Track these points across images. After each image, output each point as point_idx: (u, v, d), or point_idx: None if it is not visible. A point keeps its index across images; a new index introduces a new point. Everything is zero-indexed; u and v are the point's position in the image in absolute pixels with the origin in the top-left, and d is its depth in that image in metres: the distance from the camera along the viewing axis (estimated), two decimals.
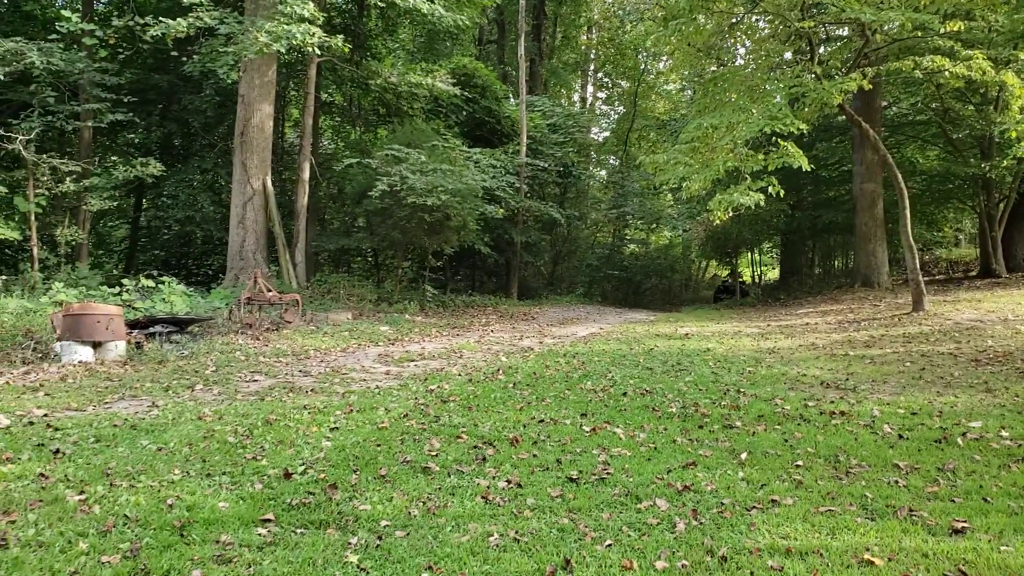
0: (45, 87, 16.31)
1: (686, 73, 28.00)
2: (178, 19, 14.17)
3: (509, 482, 4.67)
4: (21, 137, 14.84)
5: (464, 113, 23.71)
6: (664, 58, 33.57)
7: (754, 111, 13.97)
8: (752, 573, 3.43)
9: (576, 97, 44.68)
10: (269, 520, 3.99)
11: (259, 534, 3.82)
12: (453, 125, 23.25)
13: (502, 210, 20.13)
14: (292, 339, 11.43)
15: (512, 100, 27.39)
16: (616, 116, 42.33)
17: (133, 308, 11.72)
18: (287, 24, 13.43)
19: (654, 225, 32.67)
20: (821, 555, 3.62)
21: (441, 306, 19.11)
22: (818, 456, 5.32)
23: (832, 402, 7.10)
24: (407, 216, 17.00)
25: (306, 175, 18.58)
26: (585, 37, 41.45)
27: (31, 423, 6.13)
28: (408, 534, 3.83)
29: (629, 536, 3.85)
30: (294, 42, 13.72)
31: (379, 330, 13.21)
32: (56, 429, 5.92)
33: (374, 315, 15.50)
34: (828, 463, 5.15)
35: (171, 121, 21.23)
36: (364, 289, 18.62)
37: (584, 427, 6.14)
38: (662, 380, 8.40)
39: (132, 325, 10.42)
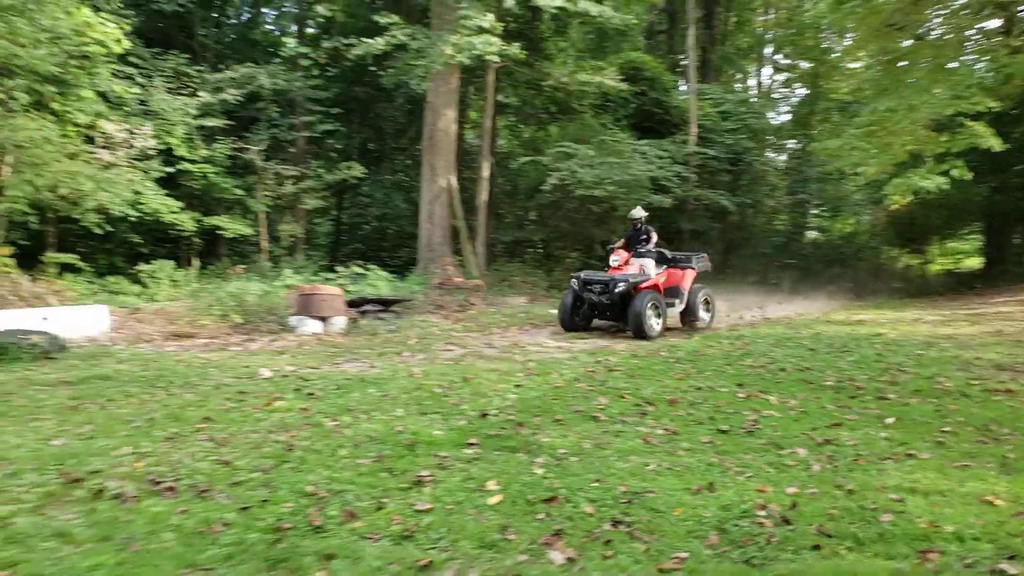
0: (271, 104, 19.09)
1: (872, 49, 26.70)
2: (376, 38, 16.11)
3: (666, 430, 5.49)
4: (254, 148, 17.59)
5: (632, 106, 24.30)
6: (848, 36, 32.01)
7: (937, 91, 13.47)
8: (874, 502, 4.01)
9: (752, 82, 43.47)
10: (473, 444, 5.12)
11: (466, 453, 4.95)
12: (621, 118, 23.91)
13: (669, 199, 20.57)
14: (476, 319, 12.85)
15: (682, 90, 27.54)
16: (795, 99, 40.72)
17: (347, 290, 13.71)
18: (469, 36, 14.86)
19: (837, 211, 31.29)
20: (944, 495, 4.11)
21: None
22: (968, 424, 5.61)
23: (1001, 382, 7.15)
24: (576, 208, 18.01)
25: (486, 173, 20.14)
26: (761, 19, 40.24)
27: (285, 375, 7.83)
28: (580, 459, 4.79)
29: (768, 472, 4.55)
30: (475, 52, 15.15)
31: (550, 312, 14.33)
32: (305, 380, 7.54)
33: (546, 299, 16.69)
34: (977, 431, 5.44)
35: (368, 128, 23.78)
36: (536, 277, 19.88)
37: (739, 394, 6.77)
38: (823, 359, 8.73)
39: (348, 304, 12.30)
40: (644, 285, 11.24)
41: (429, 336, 10.86)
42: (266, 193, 18.80)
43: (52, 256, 15.72)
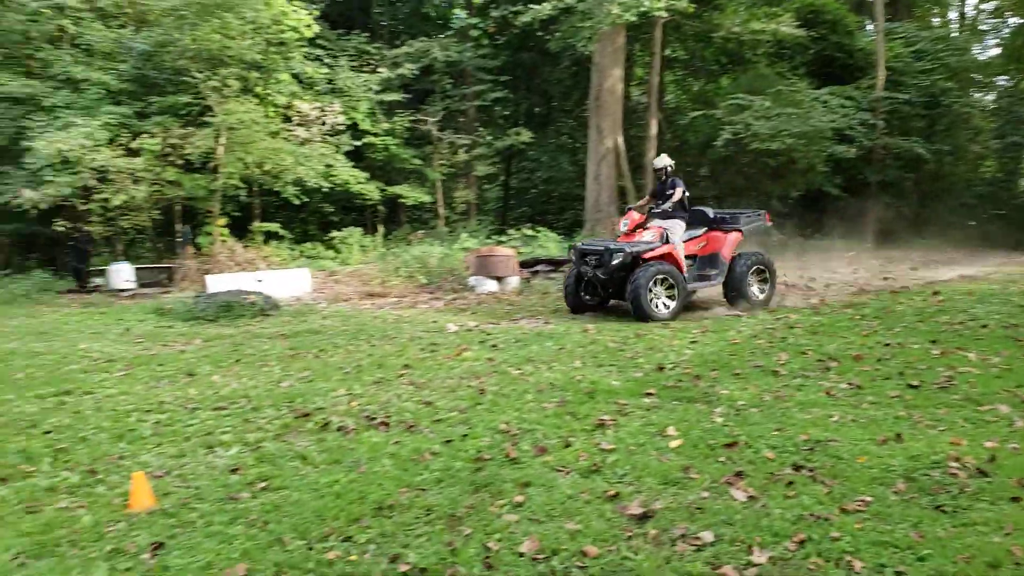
0: (443, 75, 19.95)
1: None
2: (543, 3, 16.29)
3: (850, 384, 5.38)
4: (430, 119, 18.54)
5: (811, 52, 22.77)
6: None
7: None
8: None
9: (952, 15, 38.93)
10: (651, 393, 5.32)
11: (644, 401, 5.16)
12: (799, 66, 22.50)
13: (854, 149, 19.20)
14: None
15: (868, 30, 25.35)
16: (1007, 30, 36.01)
17: (518, 252, 14.27)
18: None
19: None
20: None
21: (786, 249, 19.11)
22: None
23: None
24: (750, 162, 17.36)
25: (653, 131, 19.86)
26: None
27: (469, 330, 8.42)
28: (760, 410, 4.85)
29: (963, 427, 4.37)
30: (642, 9, 14.91)
31: None
32: (487, 334, 8.08)
33: None
34: None
35: (534, 93, 24.14)
36: None
37: (932, 351, 6.42)
38: None
39: (521, 264, 12.84)
40: (650, 255, 8.88)
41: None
42: (441, 162, 19.80)
43: (258, 225, 17.65)
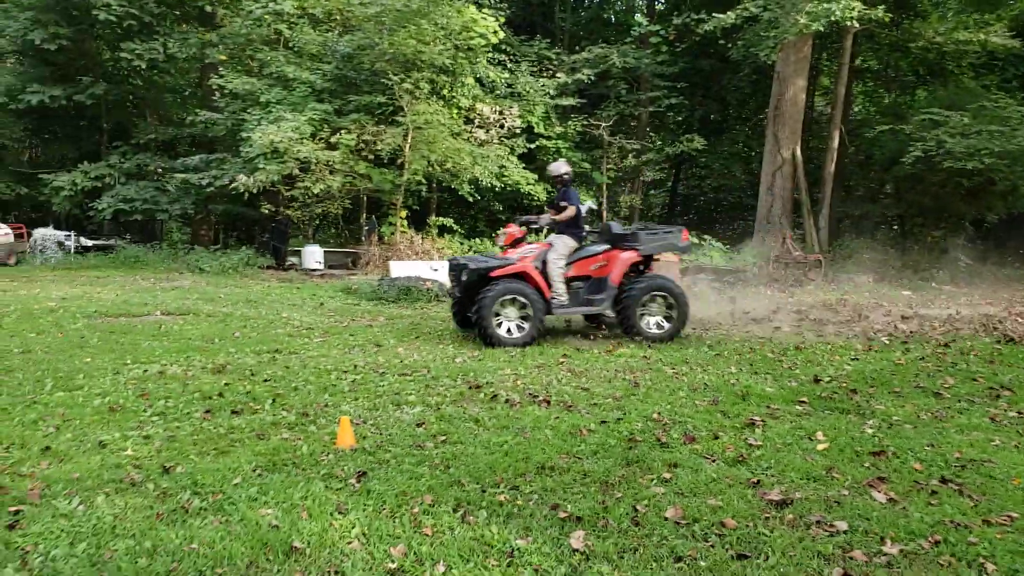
0: (619, 81, 20.34)
1: None
2: (727, 12, 16.22)
3: (1020, 413, 5.21)
4: (603, 124, 19.02)
5: None
6: None
7: None
8: None
9: None
10: (803, 402, 5.46)
11: (796, 408, 5.33)
12: (1011, 79, 20.64)
13: None
14: (814, 294, 12.60)
15: None
16: None
17: (681, 260, 14.38)
18: (827, 3, 14.24)
19: None
20: None
21: (977, 277, 17.68)
22: None
23: None
24: (941, 182, 16.26)
25: (835, 143, 19.09)
26: None
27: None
28: (915, 428, 4.87)
29: None
30: (832, 19, 14.46)
31: (900, 294, 13.37)
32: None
33: (896, 280, 15.48)
34: None
35: (711, 100, 23.91)
36: (887, 255, 18.41)
37: None
38: None
39: (684, 272, 12.99)
40: (498, 272, 7.83)
41: (761, 306, 11.05)
42: (610, 166, 20.22)
43: (434, 219, 18.95)
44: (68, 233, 20.17)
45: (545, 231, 9.78)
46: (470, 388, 5.93)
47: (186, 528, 3.40)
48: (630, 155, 20.28)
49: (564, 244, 8.28)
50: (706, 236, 16.15)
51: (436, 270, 13.37)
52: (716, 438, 4.61)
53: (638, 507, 3.57)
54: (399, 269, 13.43)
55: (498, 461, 4.23)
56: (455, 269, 8.16)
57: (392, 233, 17.20)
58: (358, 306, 11.38)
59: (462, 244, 18.68)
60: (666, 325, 8.18)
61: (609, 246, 8.42)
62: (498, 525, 3.41)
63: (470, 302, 7.89)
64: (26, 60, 21.42)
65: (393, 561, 3.08)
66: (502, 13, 18.29)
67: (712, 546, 3.19)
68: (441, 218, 18.91)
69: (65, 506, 3.60)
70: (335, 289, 13.25)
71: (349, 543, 3.25)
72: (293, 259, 17.33)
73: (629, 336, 8.14)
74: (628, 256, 8.26)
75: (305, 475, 4.07)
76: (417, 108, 16.01)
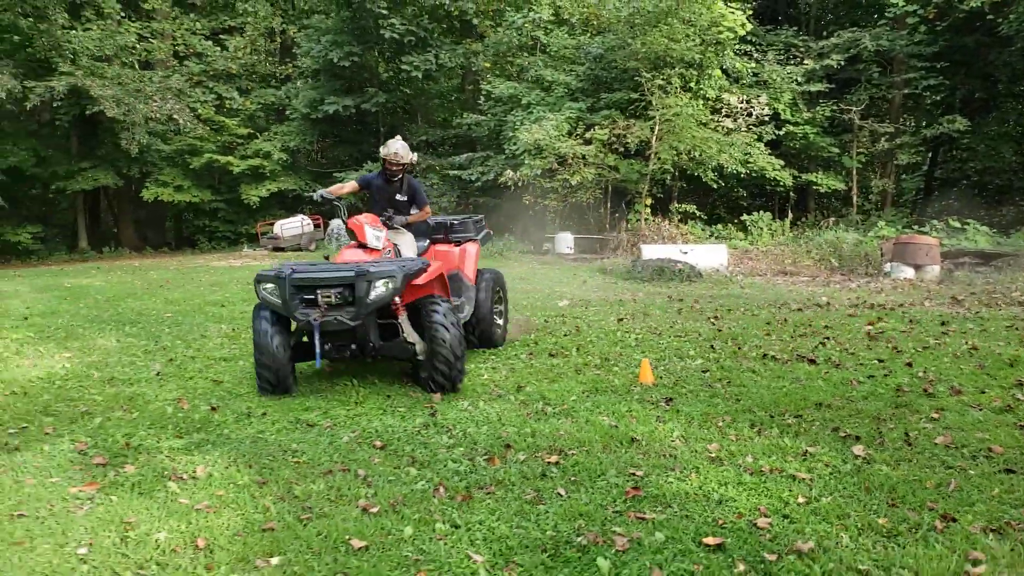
0: (871, 64, 19.69)
1: None
2: None
3: None
4: (853, 108, 18.62)
5: None
6: None
7: None
8: None
9: None
10: None
11: None
12: None
13: None
14: None
15: None
16: None
17: (941, 243, 13.97)
18: None
19: None
20: None
21: None
22: None
23: None
24: None
25: None
26: None
27: (883, 306, 9.18)
28: None
29: None
30: None
31: None
32: (904, 310, 8.78)
33: None
34: None
35: (974, 79, 22.05)
36: None
37: None
38: None
39: (943, 255, 12.72)
40: (422, 279, 5.51)
41: None
42: (860, 151, 19.67)
43: (677, 206, 19.80)
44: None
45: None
46: (739, 348, 6.92)
47: (549, 423, 4.82)
48: (882, 139, 19.55)
49: (411, 242, 6.50)
50: (969, 221, 15.32)
51: (686, 253, 14.33)
52: (982, 392, 5.19)
53: (909, 434, 4.39)
54: (650, 252, 14.56)
55: (780, 399, 5.22)
56: (331, 283, 5.20)
57: (637, 220, 18.36)
58: (615, 284, 12.70)
59: (704, 230, 19.35)
60: (500, 330, 7.04)
61: (428, 240, 6.85)
62: (789, 438, 4.43)
63: (365, 332, 5.43)
64: (322, 75, 25.56)
65: (711, 453, 4.23)
66: (749, 5, 18.60)
67: (980, 462, 3.95)
68: (684, 204, 19.72)
69: (463, 405, 5.20)
70: (591, 270, 14.72)
71: (672, 441, 4.46)
72: (547, 244, 19.18)
73: (485, 345, 6.85)
74: (475, 248, 6.94)
75: (623, 398, 5.37)
76: (666, 102, 16.98)
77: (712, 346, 7.07)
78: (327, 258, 6.03)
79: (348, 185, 6.61)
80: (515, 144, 17.94)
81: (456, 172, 20.39)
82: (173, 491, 3.76)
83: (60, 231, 26.53)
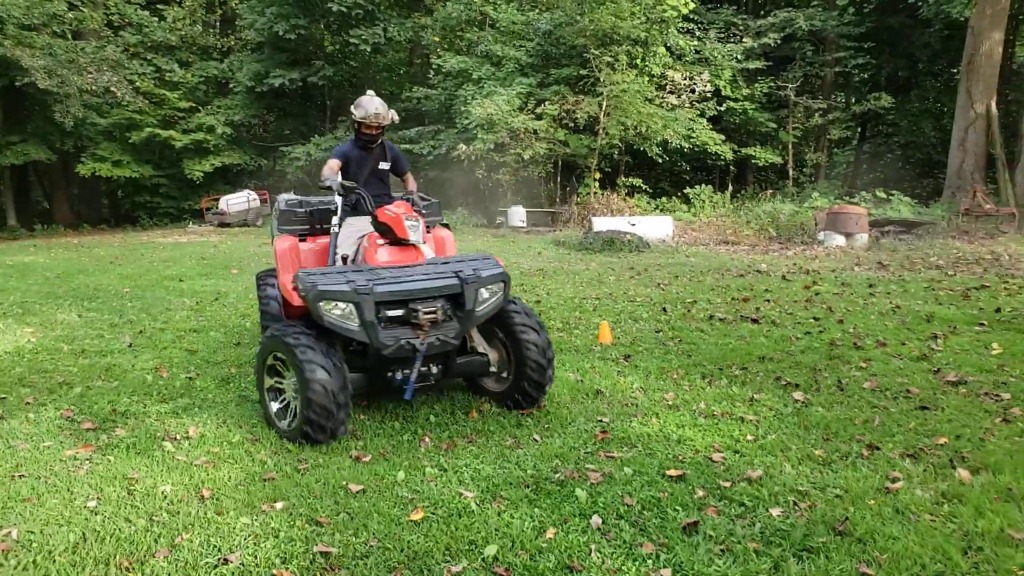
0: (805, 43, 20.47)
1: None
2: None
3: None
4: (789, 85, 19.38)
5: None
6: None
7: None
8: None
9: None
10: (983, 323, 6.39)
11: (976, 328, 6.28)
12: None
13: None
14: (1006, 245, 12.68)
15: None
16: None
17: (870, 213, 14.82)
18: None
19: None
20: None
21: None
22: None
23: None
24: None
25: None
26: None
27: (818, 271, 9.83)
28: None
29: None
30: None
31: None
32: (835, 274, 9.44)
33: None
34: None
35: (898, 58, 23.12)
36: None
37: None
38: None
39: (871, 224, 13.53)
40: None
41: (950, 257, 11.49)
42: (795, 126, 20.52)
43: (623, 180, 20.31)
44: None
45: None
46: (688, 311, 7.40)
47: None
48: (815, 115, 20.43)
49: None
50: (894, 192, 16.26)
51: (634, 224, 14.84)
52: (903, 344, 5.78)
53: (842, 381, 4.91)
54: (600, 224, 15.01)
55: (726, 354, 5.70)
56: (423, 289, 4.09)
57: (587, 194, 18.80)
58: (569, 255, 13.12)
59: (649, 203, 19.92)
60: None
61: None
62: (737, 387, 4.90)
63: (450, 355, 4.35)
64: (267, 48, 25.08)
65: (668, 401, 4.66)
66: None
67: (899, 401, 4.48)
68: (630, 179, 20.24)
69: None
70: (545, 242, 15.10)
71: (633, 392, 4.88)
72: (500, 218, 19.47)
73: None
74: (450, 235, 5.78)
75: (585, 356, 5.77)
76: (614, 78, 17.37)
77: (664, 308, 7.52)
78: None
79: (333, 163, 5.09)
80: (467, 118, 18.09)
81: (407, 146, 20.41)
82: (169, 450, 3.97)
83: None
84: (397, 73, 27.61)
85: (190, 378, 5.34)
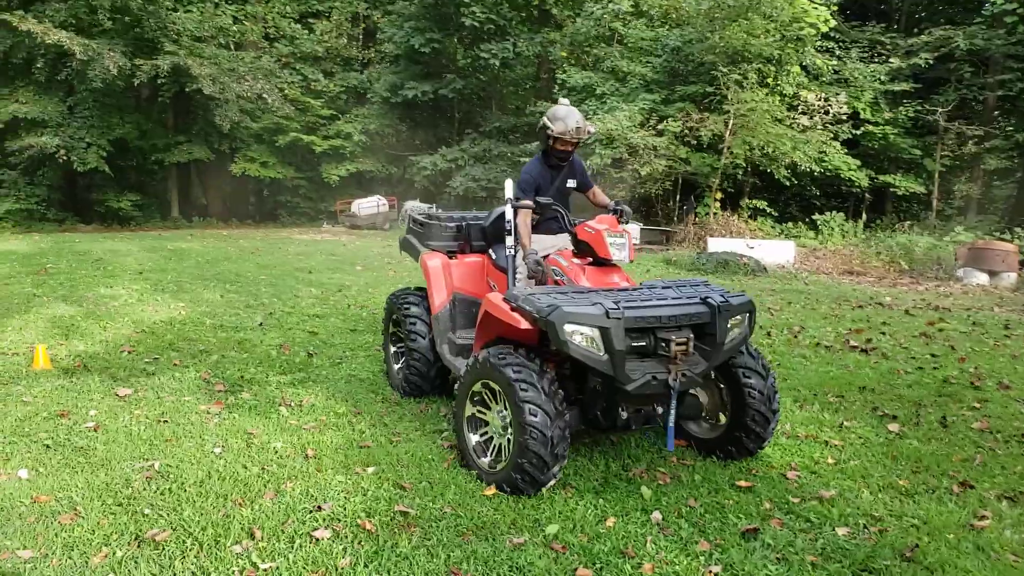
0: (963, 64, 19.17)
1: None
2: None
3: None
4: (940, 110, 18.24)
5: None
6: None
7: None
8: None
9: None
10: None
11: None
12: None
13: None
14: None
15: None
16: None
17: (1020, 251, 13.67)
18: None
19: None
20: None
21: None
22: None
23: None
24: None
25: None
26: None
27: (948, 310, 9.27)
28: None
29: None
30: None
31: None
32: (969, 313, 8.87)
33: None
34: None
35: None
36: None
37: None
38: None
39: (1022, 263, 12.51)
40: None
41: None
42: (944, 153, 19.25)
43: (747, 201, 19.79)
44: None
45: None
46: (794, 336, 7.24)
47: None
48: (969, 142, 19.04)
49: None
50: None
51: (752, 247, 14.49)
52: None
53: (947, 418, 4.70)
54: (716, 245, 14.77)
55: (825, 381, 5.57)
56: (681, 306, 3.57)
57: (706, 213, 18.49)
58: (678, 275, 13.01)
59: (774, 227, 19.31)
60: None
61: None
62: (829, 413, 4.81)
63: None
64: (403, 61, 26.36)
65: None
66: (834, 1, 18.40)
67: (1010, 445, 4.25)
68: (754, 200, 19.71)
69: None
70: (655, 260, 15.02)
71: None
72: None
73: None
74: None
75: None
76: (742, 97, 17.04)
77: (768, 333, 7.39)
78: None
79: (526, 208, 4.36)
80: (587, 133, 18.28)
81: (526, 159, 20.86)
82: (284, 414, 4.44)
83: (155, 200, 28.23)
84: (523, 88, 28.22)
85: (309, 355, 5.86)
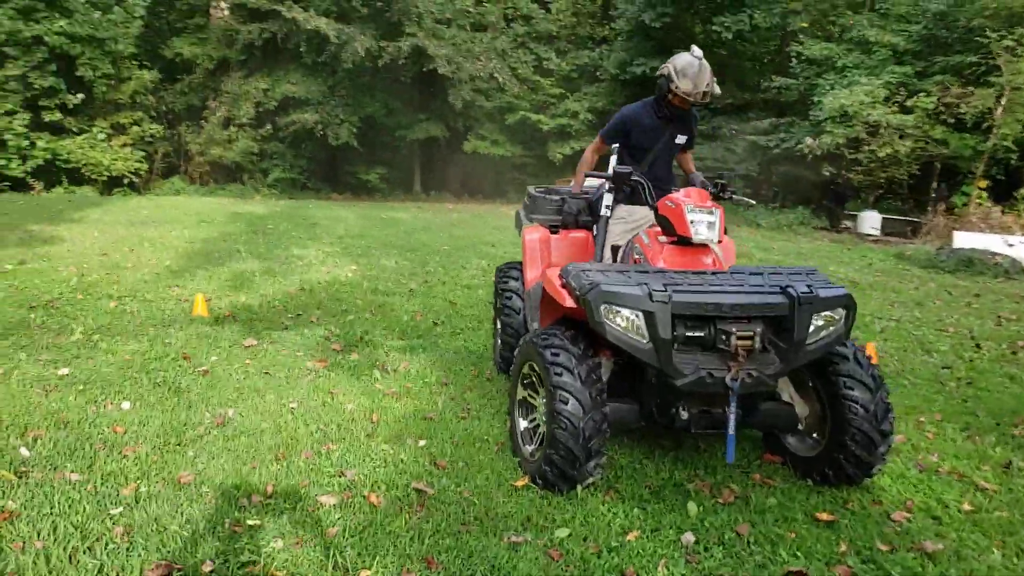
0: None
1: None
2: None
3: None
4: None
5: None
6: None
7: None
8: None
9: None
10: None
11: None
12: None
13: None
14: None
15: None
16: None
17: None
18: None
19: None
20: None
21: None
22: None
23: None
24: None
25: None
26: None
27: None
28: None
29: None
30: None
31: None
32: None
33: None
34: None
35: None
36: None
37: None
38: None
39: None
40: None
41: None
42: None
43: (1022, 192, 16.64)
44: None
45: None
46: (1012, 352, 5.92)
47: None
48: None
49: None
50: None
51: (1012, 245, 12.21)
52: None
53: None
54: (964, 240, 12.63)
55: (1020, 408, 4.46)
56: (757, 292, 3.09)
57: (965, 204, 15.88)
58: (908, 271, 11.30)
59: None
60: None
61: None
62: (1003, 447, 3.84)
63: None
64: (635, 38, 25.72)
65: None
66: None
67: None
68: None
69: None
70: (887, 254, 13.24)
71: None
72: (847, 223, 17.54)
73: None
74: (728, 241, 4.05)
75: None
76: (1018, 67, 14.29)
77: (978, 345, 6.13)
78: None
79: (591, 153, 4.27)
80: (820, 109, 16.56)
81: (754, 137, 19.43)
82: (375, 377, 4.53)
83: (400, 175, 30.67)
84: (761, 62, 26.23)
85: (435, 323, 5.96)
